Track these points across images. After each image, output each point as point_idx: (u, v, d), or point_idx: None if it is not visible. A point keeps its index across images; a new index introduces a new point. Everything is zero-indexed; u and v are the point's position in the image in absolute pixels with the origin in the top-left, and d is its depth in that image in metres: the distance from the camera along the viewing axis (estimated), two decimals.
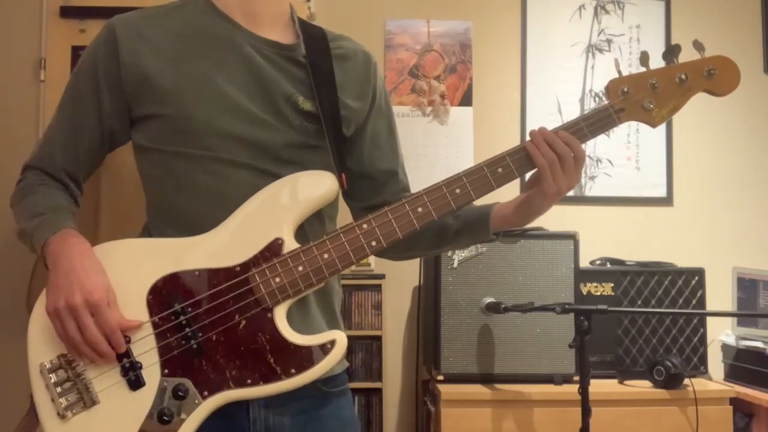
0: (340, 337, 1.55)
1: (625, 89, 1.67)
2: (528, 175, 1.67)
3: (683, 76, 1.68)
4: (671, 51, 1.70)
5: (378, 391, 3.47)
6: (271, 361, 1.51)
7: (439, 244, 1.83)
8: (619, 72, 1.70)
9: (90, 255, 1.54)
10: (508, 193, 1.72)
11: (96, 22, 3.50)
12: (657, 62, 1.71)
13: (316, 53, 1.73)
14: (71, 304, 1.46)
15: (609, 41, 3.85)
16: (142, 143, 1.67)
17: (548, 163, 1.60)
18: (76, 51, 3.52)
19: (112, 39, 1.64)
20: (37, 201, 1.64)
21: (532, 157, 1.61)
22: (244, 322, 1.52)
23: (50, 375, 1.50)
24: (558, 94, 3.82)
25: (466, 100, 3.81)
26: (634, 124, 3.78)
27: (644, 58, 1.70)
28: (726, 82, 1.69)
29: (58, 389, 1.49)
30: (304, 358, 1.52)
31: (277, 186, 1.59)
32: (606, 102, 1.69)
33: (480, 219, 1.74)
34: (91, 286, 1.48)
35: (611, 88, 1.68)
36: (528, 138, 1.65)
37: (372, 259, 3.55)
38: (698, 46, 1.68)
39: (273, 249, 1.55)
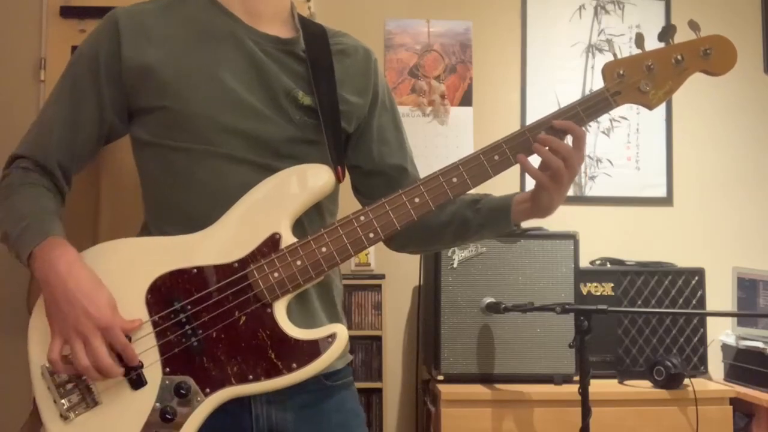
0: (341, 331, 1.55)
1: (621, 72, 1.66)
2: None
3: (679, 57, 1.66)
4: (666, 32, 1.68)
5: (378, 391, 3.47)
6: (272, 356, 1.50)
7: (462, 237, 1.83)
8: (615, 55, 1.68)
9: (81, 267, 1.50)
10: (507, 180, 1.71)
11: (96, 22, 3.47)
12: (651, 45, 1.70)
13: (316, 48, 1.73)
14: (80, 331, 1.45)
15: (609, 41, 3.85)
16: (142, 137, 1.66)
17: (553, 170, 1.58)
18: None
19: (114, 30, 1.63)
20: (20, 202, 1.60)
21: (528, 171, 1.61)
22: (244, 318, 1.51)
23: (52, 377, 1.49)
24: (558, 94, 3.81)
25: (466, 100, 3.81)
26: (634, 123, 3.81)
27: (639, 40, 1.68)
28: (722, 62, 1.68)
29: (60, 390, 1.49)
30: (305, 352, 1.51)
31: (273, 181, 1.59)
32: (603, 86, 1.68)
33: (501, 211, 1.73)
34: (95, 308, 1.46)
35: (607, 71, 1.67)
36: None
37: (372, 258, 3.55)
38: (693, 25, 1.66)
39: (271, 244, 1.55)
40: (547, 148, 1.60)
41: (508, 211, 1.72)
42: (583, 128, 1.63)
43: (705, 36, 1.67)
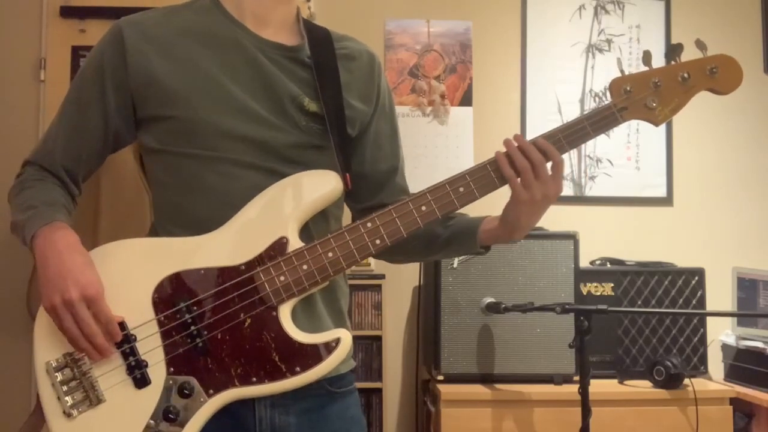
0: (345, 336, 1.56)
1: (628, 88, 1.68)
2: None
3: (686, 75, 1.68)
4: (673, 50, 1.70)
5: (378, 391, 3.47)
6: (276, 359, 1.51)
7: (427, 252, 1.83)
8: (622, 71, 1.70)
9: (78, 248, 1.54)
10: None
11: (96, 22, 3.50)
12: (658, 62, 1.71)
13: (321, 54, 1.73)
14: (67, 299, 1.47)
15: (609, 41, 3.85)
16: (150, 145, 1.67)
17: (519, 170, 1.59)
18: (76, 51, 3.52)
19: (119, 40, 1.65)
20: (32, 195, 1.64)
21: (499, 167, 1.61)
22: (249, 321, 1.52)
23: (56, 374, 1.50)
24: (558, 94, 3.82)
25: (466, 100, 3.81)
26: (634, 123, 3.78)
27: (646, 57, 1.70)
28: (728, 81, 1.70)
29: (64, 388, 1.50)
30: (308, 356, 1.52)
31: (281, 185, 1.60)
32: (609, 101, 1.69)
33: (469, 230, 1.74)
34: (85, 280, 1.49)
35: (614, 87, 1.69)
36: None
37: (372, 259, 3.55)
38: (700, 45, 1.68)
39: (277, 248, 1.55)
40: (516, 145, 1.61)
41: (476, 230, 1.72)
42: (588, 140, 1.66)
43: (711, 55, 1.69)
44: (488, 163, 1.63)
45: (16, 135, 3.48)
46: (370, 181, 1.83)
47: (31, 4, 3.58)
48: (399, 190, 1.84)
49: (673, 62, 1.70)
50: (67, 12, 3.55)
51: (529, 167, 1.59)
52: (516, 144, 1.61)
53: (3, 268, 3.29)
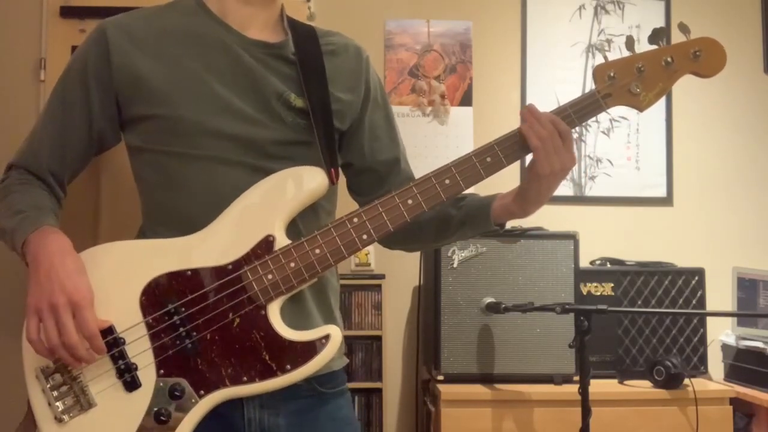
0: (335, 332, 1.56)
1: (612, 74, 1.67)
2: (527, 164, 1.65)
3: (669, 59, 1.67)
4: (657, 34, 1.69)
5: (378, 391, 3.46)
6: (266, 357, 1.51)
7: (442, 236, 1.83)
8: (605, 58, 1.69)
9: (70, 253, 1.53)
10: (507, 180, 1.71)
11: (96, 23, 3.49)
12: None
13: (306, 50, 1.74)
14: (53, 303, 1.45)
15: (609, 41, 3.84)
16: (135, 144, 1.67)
17: (541, 141, 1.58)
18: None
19: (102, 41, 1.65)
20: (18, 199, 1.63)
21: (526, 137, 1.60)
22: (238, 320, 1.52)
23: (46, 379, 1.50)
24: (558, 94, 3.80)
25: (466, 100, 3.80)
26: (634, 123, 3.81)
27: (629, 42, 1.69)
28: (712, 64, 1.69)
29: (55, 393, 1.50)
30: (298, 353, 1.52)
31: (267, 183, 1.60)
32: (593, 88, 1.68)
33: (482, 209, 1.73)
34: (72, 285, 1.47)
35: (597, 74, 1.68)
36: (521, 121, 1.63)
37: (372, 258, 3.55)
38: (683, 28, 1.67)
39: (264, 246, 1.55)
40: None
41: (488, 208, 1.72)
42: (572, 128, 1.64)
43: (694, 38, 1.68)
44: (473, 154, 1.63)
45: (16, 135, 3.42)
46: (375, 173, 1.84)
47: (31, 4, 3.58)
48: (405, 177, 1.85)
49: (656, 46, 1.69)
50: (67, 12, 3.54)
51: (549, 136, 1.58)
52: (533, 115, 1.61)
53: (3, 268, 3.29)
